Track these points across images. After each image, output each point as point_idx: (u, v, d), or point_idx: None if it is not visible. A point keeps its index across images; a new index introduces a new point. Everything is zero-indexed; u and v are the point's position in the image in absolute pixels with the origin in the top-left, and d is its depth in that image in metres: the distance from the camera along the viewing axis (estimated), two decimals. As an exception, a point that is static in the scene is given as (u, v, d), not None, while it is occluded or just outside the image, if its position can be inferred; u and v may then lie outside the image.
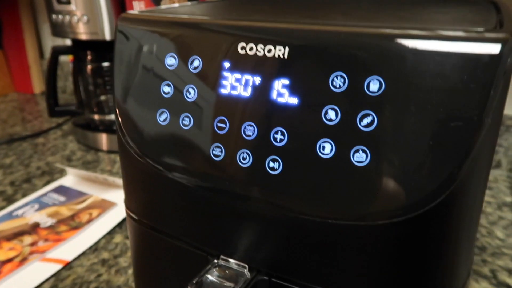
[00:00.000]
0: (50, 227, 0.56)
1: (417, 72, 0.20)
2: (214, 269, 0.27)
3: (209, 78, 0.25)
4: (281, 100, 0.23)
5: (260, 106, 0.24)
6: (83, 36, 0.72)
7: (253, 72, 0.24)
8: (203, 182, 0.26)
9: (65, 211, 0.59)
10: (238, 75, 0.24)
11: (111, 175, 0.70)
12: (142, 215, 0.32)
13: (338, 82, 0.21)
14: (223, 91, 0.25)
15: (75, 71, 0.79)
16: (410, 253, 0.22)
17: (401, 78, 0.20)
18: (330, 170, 0.22)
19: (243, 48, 0.24)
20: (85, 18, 0.70)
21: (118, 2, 0.71)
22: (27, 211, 0.59)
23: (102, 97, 0.79)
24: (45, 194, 0.64)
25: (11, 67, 1.17)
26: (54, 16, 0.73)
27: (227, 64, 0.25)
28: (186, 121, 0.26)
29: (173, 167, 0.27)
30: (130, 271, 0.47)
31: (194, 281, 0.26)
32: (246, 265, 0.27)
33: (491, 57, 0.19)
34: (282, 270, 0.26)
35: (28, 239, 0.53)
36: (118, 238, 0.53)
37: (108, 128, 0.80)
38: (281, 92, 0.23)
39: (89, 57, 0.77)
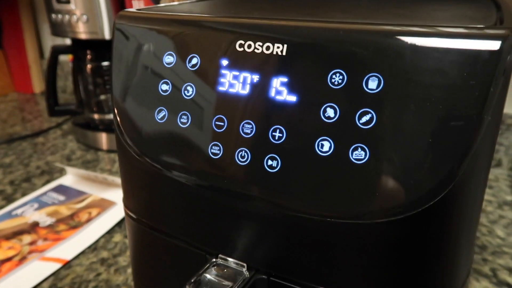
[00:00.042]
0: (50, 226, 0.55)
1: (416, 69, 0.20)
2: (212, 268, 0.27)
3: (208, 76, 0.25)
4: (279, 97, 0.23)
5: (259, 104, 0.24)
6: (83, 36, 0.72)
7: (252, 69, 0.24)
8: (201, 180, 0.26)
9: (65, 210, 0.59)
10: (236, 73, 0.24)
11: (111, 174, 0.70)
12: (141, 214, 0.31)
13: (337, 79, 0.21)
14: (222, 89, 0.25)
15: (75, 71, 0.79)
16: (409, 252, 0.22)
17: (400, 75, 0.20)
18: (329, 168, 0.22)
19: (241, 45, 0.24)
20: (84, 17, 0.70)
21: (117, 1, 0.70)
22: (27, 210, 0.59)
23: (102, 97, 0.79)
24: (44, 193, 0.64)
25: (11, 67, 1.17)
26: (53, 15, 0.73)
27: (225, 62, 0.25)
28: (184, 119, 0.26)
29: (172, 165, 0.27)
30: (129, 270, 0.47)
31: (192, 280, 0.26)
32: (245, 264, 0.27)
33: (491, 53, 0.18)
34: (280, 269, 0.26)
35: (27, 238, 0.53)
36: (117, 237, 0.53)
37: (107, 127, 0.80)
38: (280, 89, 0.23)
39: (88, 57, 0.77)
